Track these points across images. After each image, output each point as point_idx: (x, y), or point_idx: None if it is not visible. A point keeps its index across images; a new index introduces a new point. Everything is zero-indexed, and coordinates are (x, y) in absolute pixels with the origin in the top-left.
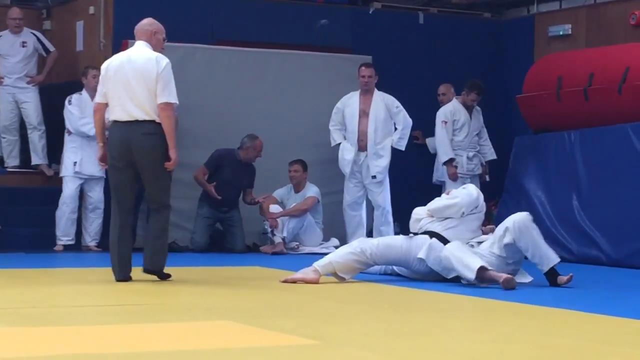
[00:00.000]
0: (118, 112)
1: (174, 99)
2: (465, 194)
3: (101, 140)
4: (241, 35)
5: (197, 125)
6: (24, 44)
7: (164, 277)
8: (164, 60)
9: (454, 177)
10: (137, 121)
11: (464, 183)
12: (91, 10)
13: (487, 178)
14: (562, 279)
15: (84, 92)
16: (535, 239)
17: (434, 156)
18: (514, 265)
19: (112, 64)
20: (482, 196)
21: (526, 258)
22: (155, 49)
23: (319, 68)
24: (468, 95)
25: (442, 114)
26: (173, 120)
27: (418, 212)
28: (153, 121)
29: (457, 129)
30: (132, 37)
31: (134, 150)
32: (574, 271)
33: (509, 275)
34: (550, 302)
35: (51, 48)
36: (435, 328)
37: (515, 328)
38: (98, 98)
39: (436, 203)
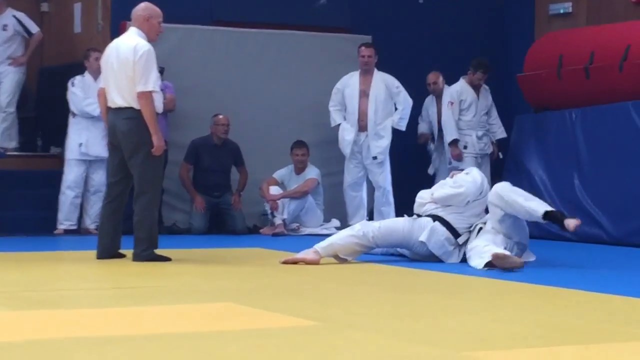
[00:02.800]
0: (109, 99)
1: (151, 86)
2: (470, 183)
3: (107, 123)
4: (240, 15)
5: (195, 106)
6: (4, 27)
7: (160, 259)
8: (143, 49)
9: (458, 158)
10: (120, 108)
11: (476, 162)
12: None
13: (500, 155)
14: (569, 221)
15: (86, 74)
16: (517, 200)
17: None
18: (519, 242)
19: (106, 51)
20: (486, 180)
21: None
22: (149, 34)
23: (318, 48)
24: (474, 75)
25: (448, 94)
26: (151, 107)
27: (422, 196)
28: (132, 108)
29: (465, 108)
30: (130, 19)
31: (118, 135)
32: (576, 250)
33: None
34: (553, 282)
35: (34, 29)
36: (437, 309)
37: (519, 308)
38: (101, 82)
39: (441, 192)
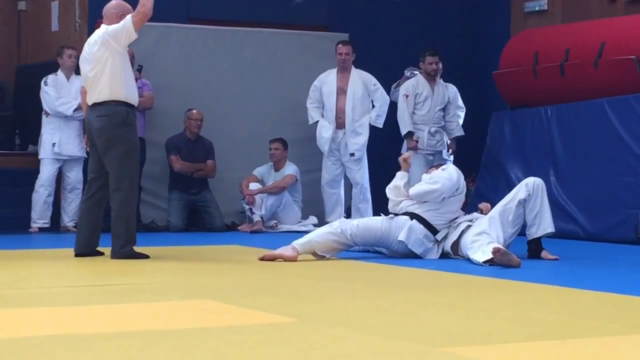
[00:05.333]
0: (87, 96)
1: (130, 18)
2: (446, 179)
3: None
4: (216, 13)
5: (173, 104)
6: None
7: (138, 256)
8: (108, 29)
9: (414, 149)
10: (95, 104)
11: (426, 159)
12: None
13: (449, 155)
14: (547, 254)
15: (59, 72)
16: (545, 203)
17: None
18: (513, 235)
19: (83, 49)
20: (462, 177)
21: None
22: None
23: (295, 46)
24: (424, 63)
25: (404, 88)
26: (147, 7)
27: (391, 195)
28: (105, 103)
29: (419, 102)
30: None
31: (93, 133)
32: (552, 245)
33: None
34: (529, 277)
35: None
36: (414, 304)
37: (495, 303)
38: (82, 82)
39: (417, 188)
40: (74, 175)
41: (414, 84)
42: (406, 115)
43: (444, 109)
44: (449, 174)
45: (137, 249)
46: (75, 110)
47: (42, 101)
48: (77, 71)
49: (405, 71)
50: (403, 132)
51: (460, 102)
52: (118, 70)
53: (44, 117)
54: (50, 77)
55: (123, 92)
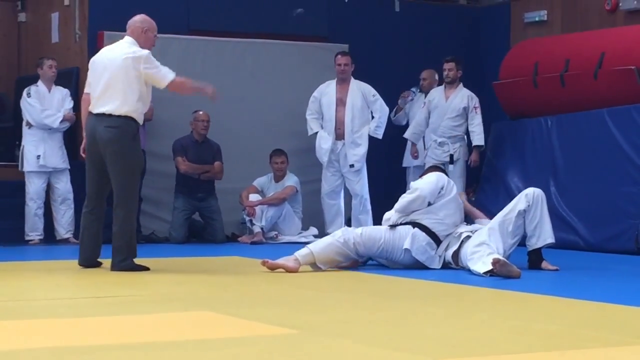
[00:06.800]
0: (93, 104)
1: (170, 75)
2: (424, 183)
3: (84, 130)
4: (217, 25)
5: (173, 115)
6: None
7: (138, 269)
8: (143, 52)
9: (414, 156)
10: (104, 114)
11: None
12: (66, 1)
13: (453, 165)
14: (548, 265)
15: (40, 83)
16: (544, 213)
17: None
18: (513, 245)
19: (97, 56)
20: (443, 177)
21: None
22: (144, 46)
23: (295, 57)
24: (443, 70)
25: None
26: (183, 87)
27: (387, 216)
28: (119, 116)
29: (431, 111)
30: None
31: (98, 142)
32: (552, 256)
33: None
34: (529, 288)
35: None
36: (414, 315)
37: (495, 314)
38: (85, 88)
39: (399, 203)
40: (62, 186)
41: (431, 92)
42: (415, 120)
43: (458, 117)
44: (427, 179)
45: (137, 260)
46: (61, 122)
47: (25, 113)
48: (57, 82)
49: (399, 100)
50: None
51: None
52: (136, 86)
53: (25, 128)
54: (33, 89)
55: (135, 109)
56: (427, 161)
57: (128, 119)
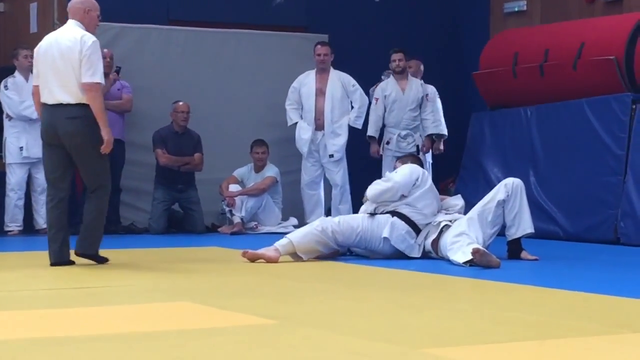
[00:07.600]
0: (46, 95)
1: (99, 78)
2: (398, 175)
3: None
4: (196, 15)
5: (153, 106)
6: None
7: (100, 260)
8: (90, 40)
9: (375, 155)
10: (61, 105)
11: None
12: None
13: (423, 153)
14: (527, 255)
15: (17, 74)
16: (524, 203)
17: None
18: (493, 235)
19: (42, 46)
20: (417, 169)
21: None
22: (88, 27)
23: (274, 47)
24: (390, 62)
25: (376, 91)
26: (100, 99)
27: (364, 207)
28: (78, 104)
29: (388, 105)
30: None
31: (60, 135)
32: (532, 246)
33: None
34: (509, 278)
35: None
36: (394, 305)
37: (474, 304)
38: (34, 80)
39: (372, 188)
40: (43, 177)
41: (384, 86)
42: (372, 118)
43: (417, 107)
44: (402, 171)
45: (117, 251)
46: None
47: (4, 105)
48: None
49: (382, 76)
50: (368, 134)
51: (438, 103)
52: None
53: (6, 121)
54: (10, 80)
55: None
56: (387, 154)
57: (86, 107)
